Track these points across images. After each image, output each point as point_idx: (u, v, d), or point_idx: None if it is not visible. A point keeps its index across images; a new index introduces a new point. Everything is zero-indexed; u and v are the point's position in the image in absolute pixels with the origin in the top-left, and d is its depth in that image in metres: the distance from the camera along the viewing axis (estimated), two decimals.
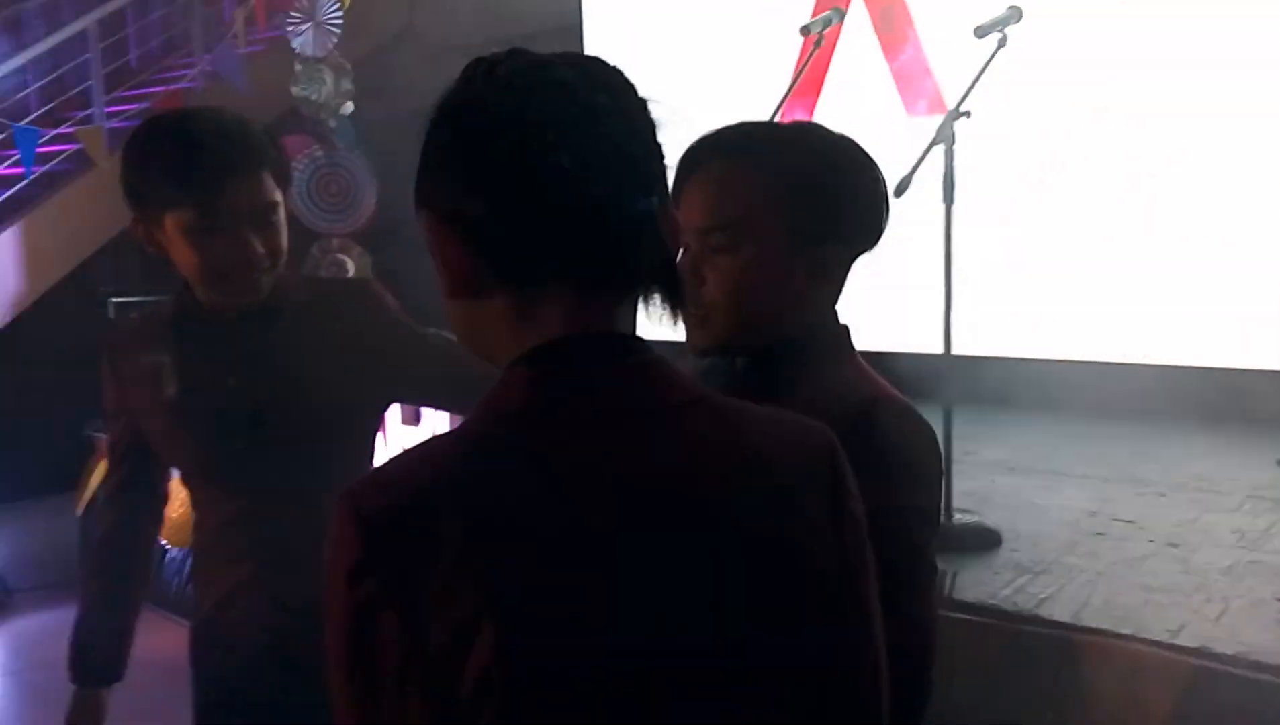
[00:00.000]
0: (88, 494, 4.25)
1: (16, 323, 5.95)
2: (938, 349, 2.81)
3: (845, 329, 1.26)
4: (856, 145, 1.23)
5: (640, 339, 0.80)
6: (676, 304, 0.81)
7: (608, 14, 5.50)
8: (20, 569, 4.53)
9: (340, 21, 5.46)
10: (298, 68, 5.56)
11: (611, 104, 0.78)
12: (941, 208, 2.79)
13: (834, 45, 4.25)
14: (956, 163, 2.76)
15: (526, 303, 0.77)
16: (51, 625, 4.22)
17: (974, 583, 2.47)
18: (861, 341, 1.24)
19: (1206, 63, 3.81)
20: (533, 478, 0.73)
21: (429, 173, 0.79)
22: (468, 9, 5.68)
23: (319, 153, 5.59)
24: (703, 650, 0.75)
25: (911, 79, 4.46)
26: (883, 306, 3.28)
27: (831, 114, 4.56)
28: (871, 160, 1.24)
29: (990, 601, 2.38)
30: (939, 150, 2.77)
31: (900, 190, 2.69)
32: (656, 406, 0.77)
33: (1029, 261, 4.22)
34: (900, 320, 3.65)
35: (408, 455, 0.77)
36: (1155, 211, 4.01)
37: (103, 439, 4.43)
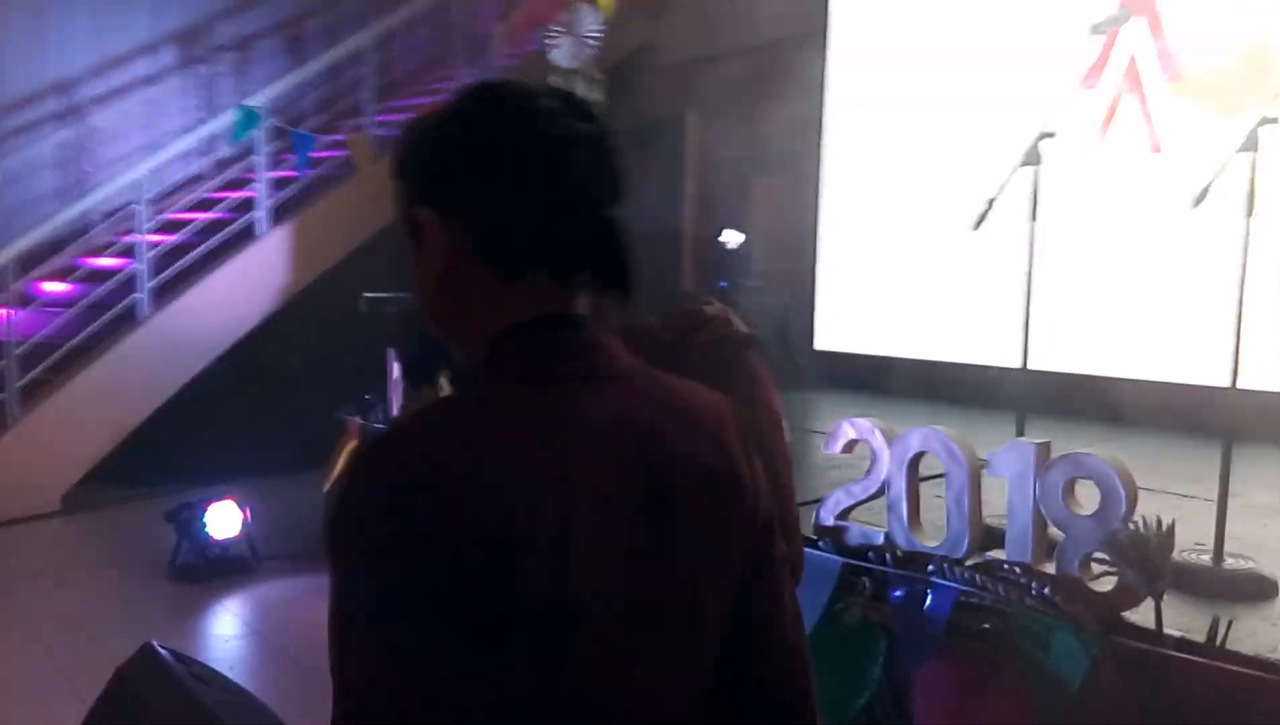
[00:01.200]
0: (335, 472, 4.50)
1: (282, 312, 6.46)
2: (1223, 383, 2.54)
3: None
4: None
5: (590, 320, 0.93)
6: (625, 297, 0.94)
7: (853, 21, 5.37)
8: (270, 538, 4.84)
9: (599, 35, 5.60)
10: (553, 79, 5.75)
11: (588, 129, 0.92)
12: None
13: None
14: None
15: (506, 290, 0.91)
16: (293, 591, 4.50)
17: (1249, 633, 2.30)
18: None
19: None
20: (526, 436, 0.84)
21: (435, 176, 0.92)
22: (708, 22, 5.72)
23: None
24: (677, 580, 0.88)
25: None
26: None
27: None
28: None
29: (1269, 655, 2.19)
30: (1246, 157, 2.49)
31: (1198, 200, 2.51)
32: (616, 372, 0.92)
33: None
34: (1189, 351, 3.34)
35: (413, 418, 0.87)
36: None
37: (353, 421, 4.68)
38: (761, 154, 5.89)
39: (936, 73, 4.94)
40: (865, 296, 5.33)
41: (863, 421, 2.86)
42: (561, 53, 5.66)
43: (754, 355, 1.20)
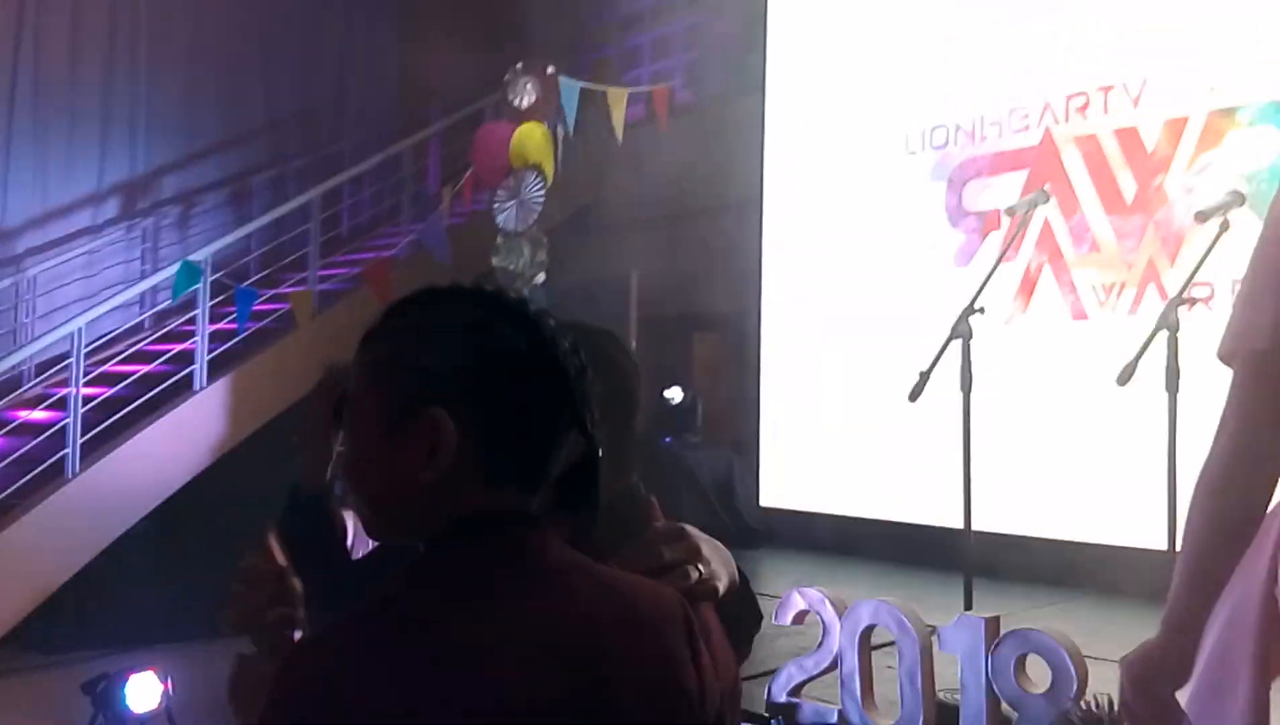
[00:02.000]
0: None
1: (214, 468, 6.29)
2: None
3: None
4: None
5: (535, 515, 0.94)
6: (585, 517, 0.97)
7: (788, 188, 5.62)
8: (191, 710, 4.57)
9: (542, 199, 5.77)
10: (499, 240, 5.88)
11: (577, 356, 0.96)
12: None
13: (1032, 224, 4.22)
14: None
15: (485, 490, 0.92)
16: None
17: None
18: None
19: None
20: (443, 653, 0.85)
21: (458, 381, 0.92)
22: (652, 184, 5.93)
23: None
24: None
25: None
26: None
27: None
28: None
29: None
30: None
31: (1124, 378, 2.61)
32: (558, 568, 0.93)
33: None
34: None
35: (342, 627, 0.87)
36: None
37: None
38: (705, 311, 6.04)
39: (869, 244, 5.17)
40: (811, 454, 5.39)
41: (812, 592, 2.84)
42: (507, 216, 5.82)
43: (708, 610, 1.17)
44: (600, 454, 0.95)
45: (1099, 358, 4.21)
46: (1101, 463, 4.13)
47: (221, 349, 6.47)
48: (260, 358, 6.56)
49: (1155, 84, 4.12)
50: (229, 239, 6.81)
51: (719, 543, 1.30)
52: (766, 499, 5.61)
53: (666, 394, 6.03)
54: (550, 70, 5.77)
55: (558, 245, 6.03)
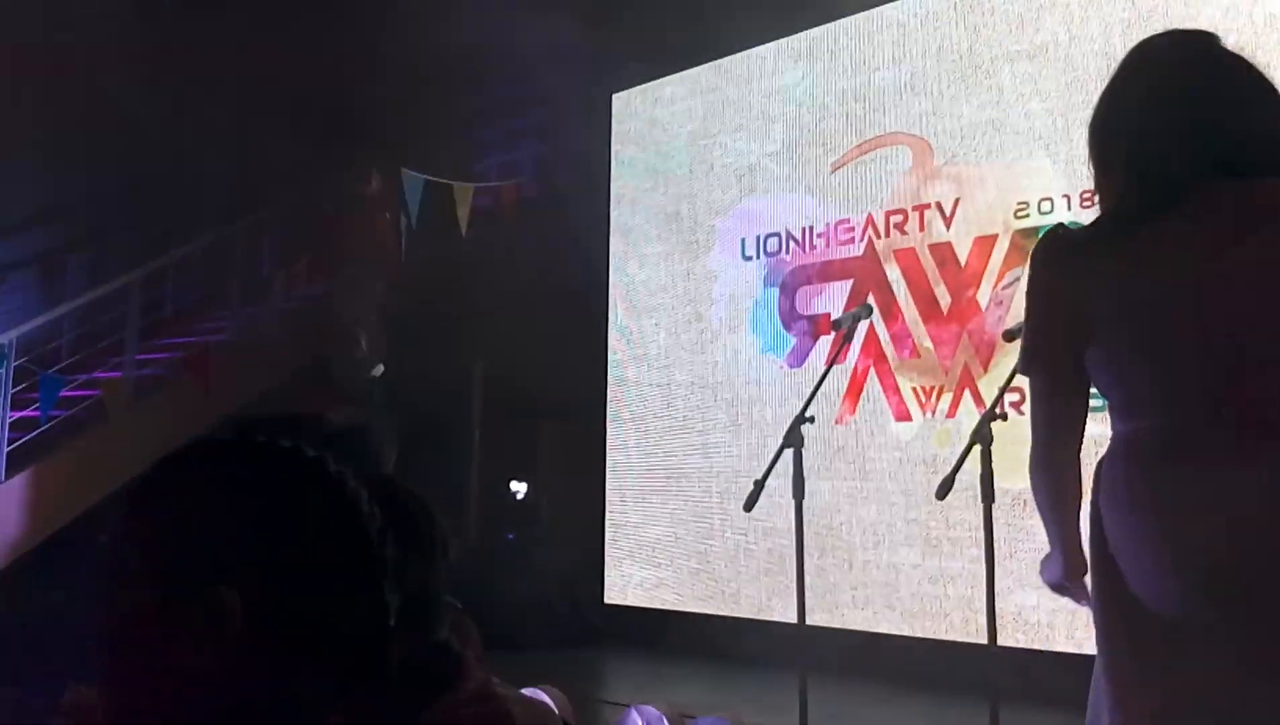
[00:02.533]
0: None
1: (9, 571, 5.75)
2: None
3: None
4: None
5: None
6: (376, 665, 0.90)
7: (632, 282, 5.71)
8: None
9: (382, 290, 5.67)
10: (335, 329, 5.72)
11: (368, 508, 0.87)
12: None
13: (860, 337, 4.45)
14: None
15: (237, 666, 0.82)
16: None
17: None
18: None
19: None
20: None
21: (222, 555, 0.80)
22: (497, 276, 5.92)
23: (341, 415, 5.62)
24: None
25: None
26: None
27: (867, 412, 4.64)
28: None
29: None
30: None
31: (942, 492, 2.73)
32: None
33: None
34: None
35: None
36: None
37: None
38: (550, 403, 6.01)
39: (707, 340, 5.30)
40: (654, 550, 5.39)
41: (652, 710, 2.81)
42: (344, 305, 5.68)
43: None
44: (395, 620, 0.88)
45: (920, 458, 4.44)
46: (928, 562, 4.31)
47: (24, 439, 5.98)
48: (65, 450, 6.09)
49: (965, 204, 4.44)
50: (39, 320, 6.34)
51: (536, 702, 1.26)
52: (611, 596, 5.56)
53: (512, 487, 5.94)
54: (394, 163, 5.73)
55: (399, 336, 5.91)
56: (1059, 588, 1.74)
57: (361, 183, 5.94)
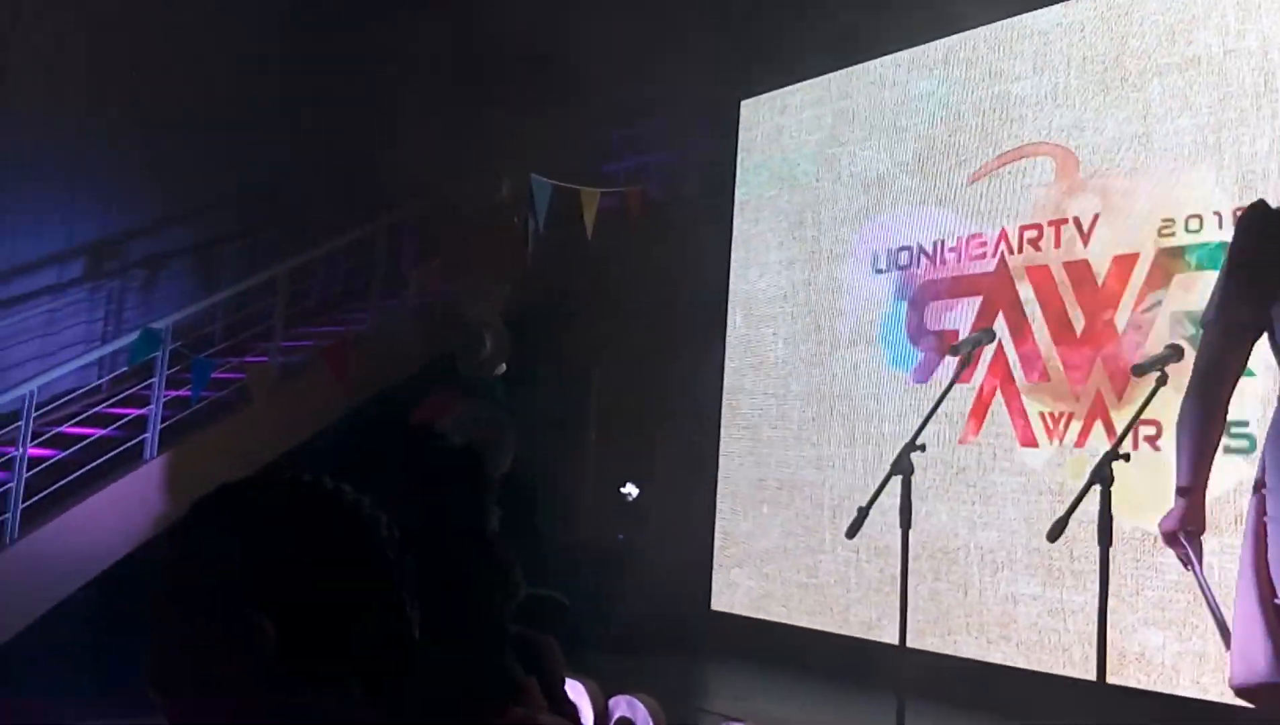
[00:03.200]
0: None
1: (151, 542, 6.16)
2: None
3: None
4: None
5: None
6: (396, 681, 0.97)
7: (755, 291, 5.67)
8: None
9: (507, 291, 5.81)
10: (462, 328, 5.89)
11: (388, 532, 0.98)
12: None
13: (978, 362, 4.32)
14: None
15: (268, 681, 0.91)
16: None
17: None
18: None
19: None
20: None
21: (255, 581, 0.92)
22: (620, 279, 5.98)
23: (469, 409, 5.79)
24: None
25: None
26: None
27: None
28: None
29: None
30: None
31: (1054, 534, 2.58)
32: None
33: None
34: None
35: None
36: None
37: None
38: (667, 408, 6.04)
39: (833, 353, 5.23)
40: (765, 560, 5.36)
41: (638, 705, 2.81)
42: (471, 305, 5.85)
43: None
44: (414, 638, 0.96)
45: (1046, 486, 4.26)
46: (1044, 592, 4.14)
47: (175, 418, 6.39)
48: (211, 430, 6.47)
49: (1106, 220, 4.23)
50: (192, 309, 6.78)
51: None
52: (718, 603, 5.55)
53: (623, 490, 6.00)
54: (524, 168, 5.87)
55: (523, 336, 6.04)
56: (1170, 537, 1.96)
57: (493, 187, 6.10)
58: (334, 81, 7.21)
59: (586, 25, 5.53)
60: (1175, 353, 2.84)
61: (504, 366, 5.99)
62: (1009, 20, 4.67)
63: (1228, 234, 3.72)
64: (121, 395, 6.73)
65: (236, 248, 7.98)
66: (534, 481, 5.96)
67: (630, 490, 5.99)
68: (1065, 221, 4.36)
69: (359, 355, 6.54)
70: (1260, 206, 2.13)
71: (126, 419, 6.35)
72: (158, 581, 0.97)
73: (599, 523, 6.25)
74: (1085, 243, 4.28)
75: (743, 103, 5.88)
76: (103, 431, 6.29)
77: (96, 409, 6.65)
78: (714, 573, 5.58)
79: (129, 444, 6.19)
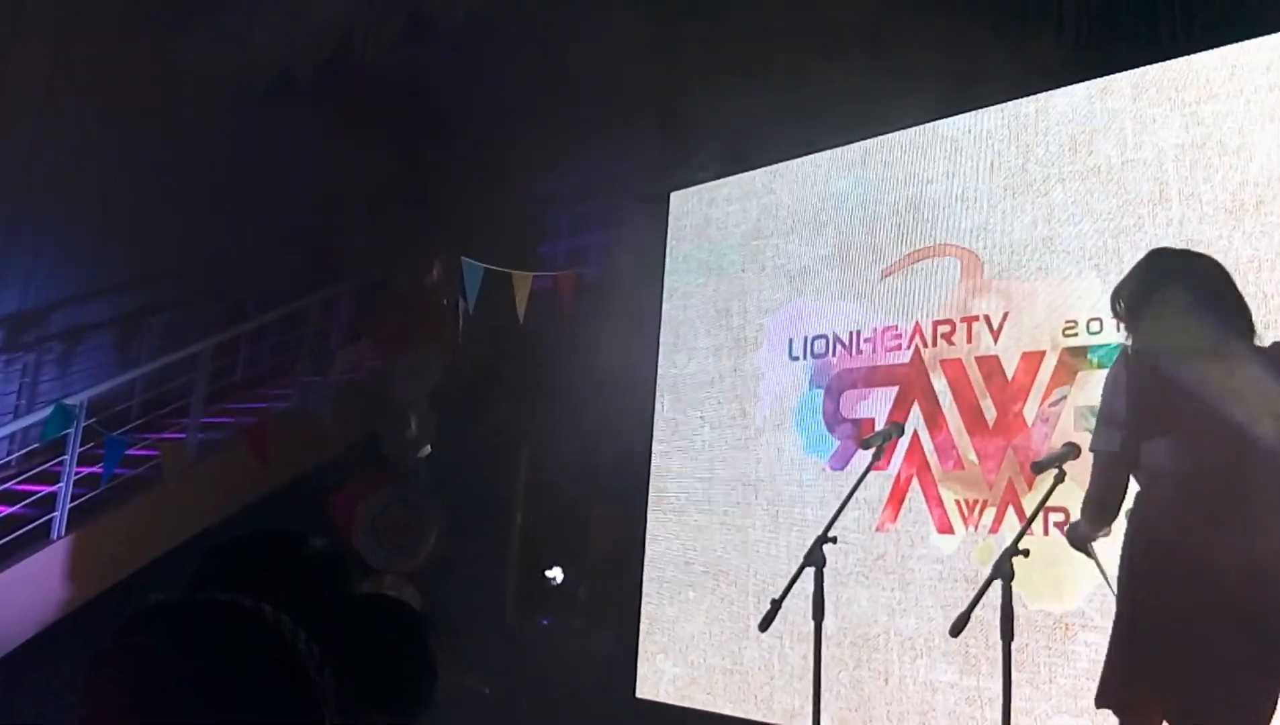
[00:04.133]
0: None
1: (59, 623, 5.92)
2: None
3: None
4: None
5: None
6: None
7: (680, 375, 5.77)
8: None
9: (437, 373, 5.82)
10: (389, 409, 5.87)
11: (308, 651, 0.99)
12: None
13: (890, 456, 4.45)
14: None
15: None
16: None
17: None
18: None
19: None
20: None
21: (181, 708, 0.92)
22: (550, 361, 6.03)
23: (388, 495, 5.75)
24: None
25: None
26: None
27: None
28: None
29: None
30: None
31: (956, 629, 2.68)
32: None
33: None
34: None
35: None
36: None
37: None
38: (594, 491, 6.06)
39: (752, 438, 5.32)
40: (687, 646, 5.34)
41: None
42: (398, 385, 5.84)
43: None
44: None
45: (962, 573, 4.36)
46: (960, 679, 4.20)
47: (87, 497, 6.20)
48: (122, 510, 6.30)
49: (1013, 319, 4.44)
50: (109, 384, 6.64)
51: None
52: (643, 690, 5.50)
53: (548, 574, 5.96)
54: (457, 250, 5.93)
55: (450, 418, 6.04)
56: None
57: (425, 269, 6.15)
58: (270, 157, 7.24)
59: (524, 109, 5.68)
60: (1072, 451, 2.99)
61: (429, 448, 5.98)
62: (924, 126, 4.92)
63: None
64: (32, 472, 6.52)
65: (161, 319, 7.86)
66: (460, 565, 5.90)
67: (555, 574, 5.96)
68: (976, 318, 4.56)
69: (280, 434, 6.45)
70: (1122, 355, 2.81)
71: (36, 497, 6.15)
72: (84, 698, 0.96)
73: (524, 607, 6.18)
74: (995, 339, 4.47)
75: (673, 194, 6.06)
76: (10, 509, 6.08)
77: (5, 485, 6.42)
78: (639, 659, 5.54)
79: (37, 522, 5.99)
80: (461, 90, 6.25)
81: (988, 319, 4.52)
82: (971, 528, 4.39)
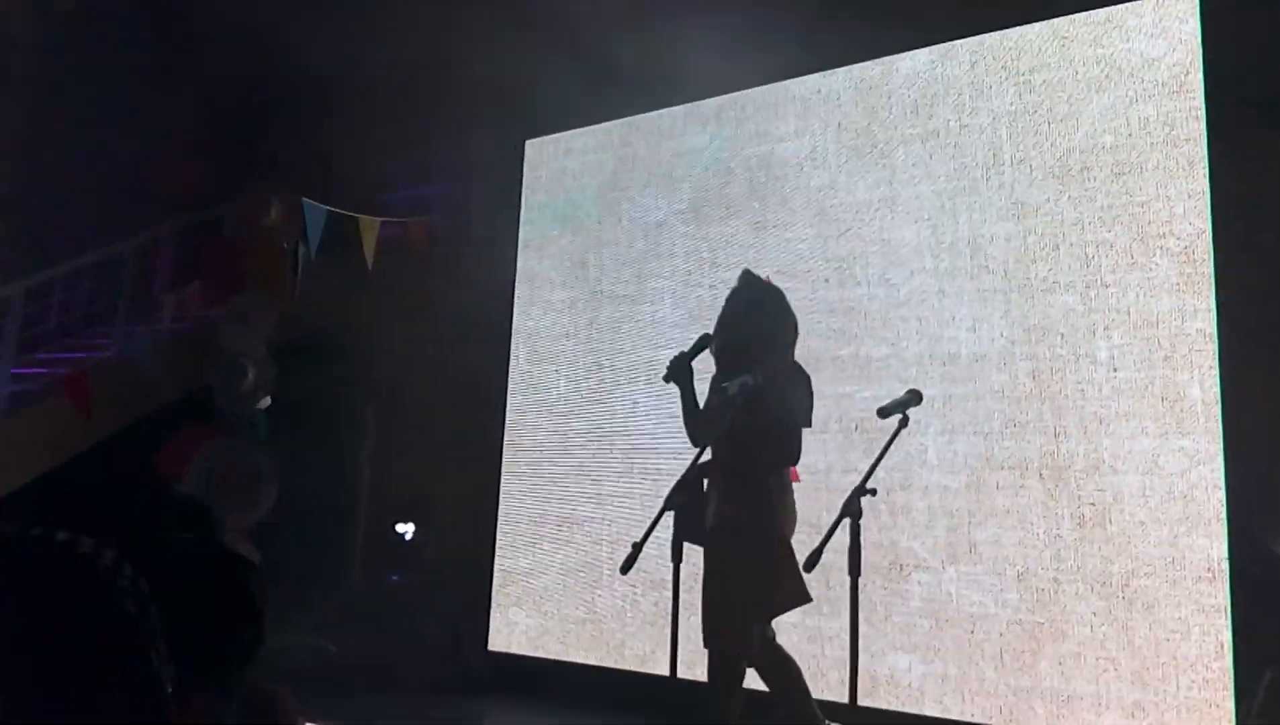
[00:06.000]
0: None
1: None
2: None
3: None
4: None
5: None
6: None
7: (537, 322, 5.72)
8: None
9: (273, 321, 5.55)
10: (221, 358, 5.56)
11: (130, 585, 0.95)
12: None
13: None
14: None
15: None
16: None
17: None
18: None
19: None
20: None
21: None
22: (399, 309, 5.85)
23: (222, 447, 5.47)
24: None
25: None
26: None
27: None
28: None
29: None
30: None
31: (809, 564, 2.80)
32: None
33: None
34: None
35: None
36: None
37: None
38: (446, 443, 5.94)
39: (611, 390, 5.34)
40: (540, 598, 5.37)
41: None
42: (231, 336, 5.54)
43: None
44: (166, 694, 0.93)
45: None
46: (802, 620, 4.40)
47: None
48: None
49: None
50: None
51: None
52: (495, 643, 5.50)
53: (399, 529, 5.85)
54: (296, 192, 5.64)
55: (290, 369, 5.78)
56: None
57: (261, 210, 5.81)
58: (89, 86, 6.66)
59: (371, 50, 5.42)
60: (915, 397, 3.13)
61: (267, 400, 5.71)
62: (775, 85, 5.00)
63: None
64: None
65: None
66: (302, 522, 5.70)
67: (406, 529, 5.85)
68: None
69: (102, 385, 6.02)
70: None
71: None
72: None
73: (372, 563, 6.05)
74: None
75: (528, 142, 5.95)
76: None
77: None
78: (492, 612, 5.53)
79: None
80: (299, 23, 5.90)
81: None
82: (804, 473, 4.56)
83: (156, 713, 0.91)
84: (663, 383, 3.61)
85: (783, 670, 3.51)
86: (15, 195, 7.07)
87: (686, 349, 3.54)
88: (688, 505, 3.25)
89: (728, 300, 3.63)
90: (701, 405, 3.56)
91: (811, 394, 3.44)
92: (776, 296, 3.59)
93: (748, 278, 3.65)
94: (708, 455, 3.29)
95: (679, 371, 3.52)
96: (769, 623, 3.48)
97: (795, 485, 3.90)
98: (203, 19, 6.38)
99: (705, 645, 3.44)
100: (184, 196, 7.17)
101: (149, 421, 6.16)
